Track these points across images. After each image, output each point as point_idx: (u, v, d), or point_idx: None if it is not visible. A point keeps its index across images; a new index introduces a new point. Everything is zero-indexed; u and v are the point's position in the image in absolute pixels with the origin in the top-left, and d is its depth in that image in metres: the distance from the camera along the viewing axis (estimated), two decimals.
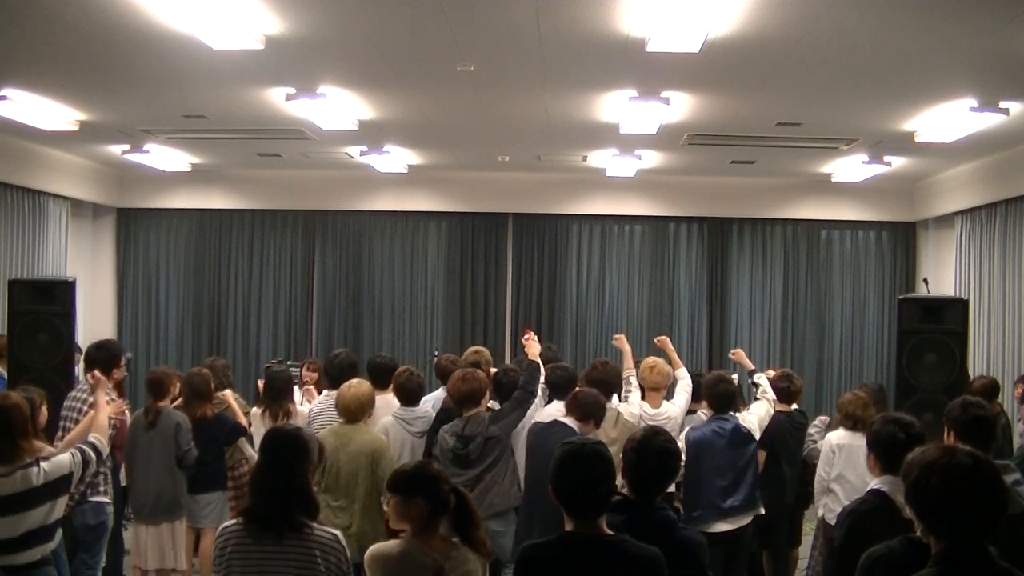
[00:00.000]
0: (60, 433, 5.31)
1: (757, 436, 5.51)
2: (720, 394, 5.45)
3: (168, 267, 11.35)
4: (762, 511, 5.47)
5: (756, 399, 5.76)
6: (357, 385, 5.26)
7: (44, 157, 9.32)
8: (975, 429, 3.64)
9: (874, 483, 3.46)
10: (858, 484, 5.65)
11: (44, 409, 4.93)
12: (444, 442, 5.20)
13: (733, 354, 6.59)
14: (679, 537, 3.15)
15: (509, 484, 5.21)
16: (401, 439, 5.65)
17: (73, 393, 5.59)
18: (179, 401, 6.20)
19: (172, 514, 5.75)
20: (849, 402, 5.80)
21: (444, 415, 5.59)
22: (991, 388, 6.75)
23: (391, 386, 6.09)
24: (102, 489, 5.41)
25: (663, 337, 6.55)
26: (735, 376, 6.76)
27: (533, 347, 5.79)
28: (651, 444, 3.23)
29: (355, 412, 5.13)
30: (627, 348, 6.21)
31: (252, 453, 6.17)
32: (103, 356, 5.57)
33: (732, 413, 5.50)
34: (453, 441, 5.16)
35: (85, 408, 5.35)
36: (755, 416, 5.60)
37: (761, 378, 5.96)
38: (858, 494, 5.63)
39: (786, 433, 6.11)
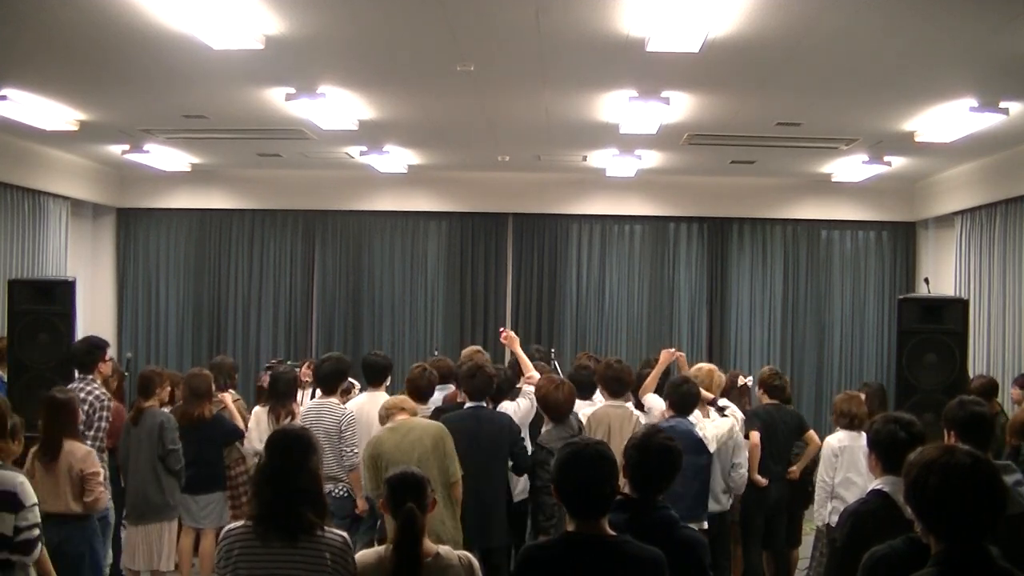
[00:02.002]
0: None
1: (711, 448, 5.37)
2: (684, 395, 5.33)
3: (168, 267, 11.34)
4: (705, 526, 5.29)
5: (725, 416, 5.69)
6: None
7: (44, 157, 9.32)
8: (975, 426, 3.64)
9: (875, 483, 3.45)
10: (863, 485, 5.67)
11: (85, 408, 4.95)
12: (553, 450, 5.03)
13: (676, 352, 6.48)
14: (680, 536, 3.15)
15: None
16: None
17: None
18: (175, 401, 6.22)
19: (160, 515, 5.74)
20: (842, 401, 5.88)
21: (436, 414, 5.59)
22: (990, 388, 6.76)
23: (384, 384, 6.11)
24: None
25: (681, 353, 6.63)
26: (750, 379, 6.81)
27: (515, 345, 5.95)
28: (652, 442, 3.24)
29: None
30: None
31: (256, 447, 6.11)
32: (83, 349, 5.59)
33: (690, 419, 5.37)
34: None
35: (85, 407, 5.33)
36: (714, 427, 5.47)
37: (727, 403, 5.94)
38: (860, 494, 5.68)
39: (776, 425, 6.14)
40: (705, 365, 5.94)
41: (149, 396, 5.81)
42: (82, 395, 5.44)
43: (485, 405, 5.32)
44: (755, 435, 6.08)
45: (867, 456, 3.64)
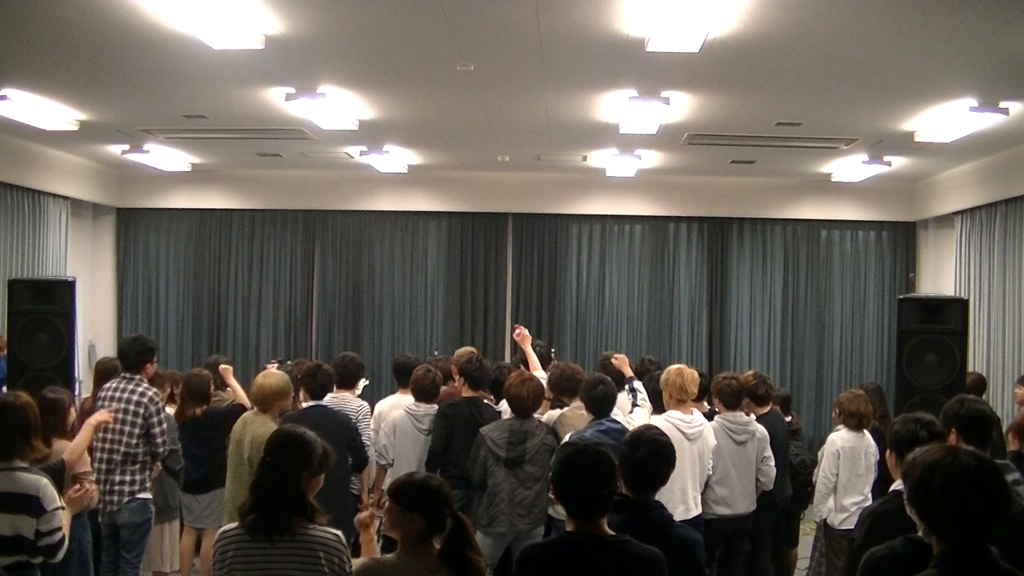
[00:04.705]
0: (102, 434, 5.28)
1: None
2: (599, 396, 5.05)
3: (168, 267, 11.35)
4: None
5: (636, 405, 5.61)
6: (272, 375, 5.26)
7: (44, 157, 9.32)
8: (976, 425, 3.63)
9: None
10: (865, 484, 5.66)
11: (72, 411, 4.92)
12: (491, 441, 5.14)
13: (616, 359, 6.16)
14: (676, 535, 3.17)
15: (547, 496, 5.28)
16: (412, 436, 5.67)
17: (109, 392, 5.42)
18: (175, 400, 6.21)
19: (161, 516, 5.75)
20: (849, 400, 5.82)
21: (451, 409, 5.59)
22: (978, 384, 6.78)
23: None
24: (148, 486, 5.37)
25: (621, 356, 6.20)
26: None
27: (526, 344, 5.87)
28: (644, 438, 3.25)
29: (261, 402, 5.13)
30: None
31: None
32: (135, 349, 5.46)
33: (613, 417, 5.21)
34: (505, 438, 5.11)
35: (123, 405, 5.29)
36: (641, 424, 5.31)
37: (639, 385, 5.82)
38: (859, 495, 5.67)
39: (776, 431, 6.13)
40: (673, 367, 5.53)
41: None
42: (135, 397, 5.31)
43: (325, 404, 5.59)
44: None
45: (887, 456, 3.61)
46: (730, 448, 5.57)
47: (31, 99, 7.05)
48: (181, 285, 11.34)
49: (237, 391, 6.39)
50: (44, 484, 3.77)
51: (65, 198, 9.88)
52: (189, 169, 10.43)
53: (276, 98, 6.88)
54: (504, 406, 5.72)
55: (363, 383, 6.89)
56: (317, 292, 11.37)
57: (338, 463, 5.09)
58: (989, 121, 6.81)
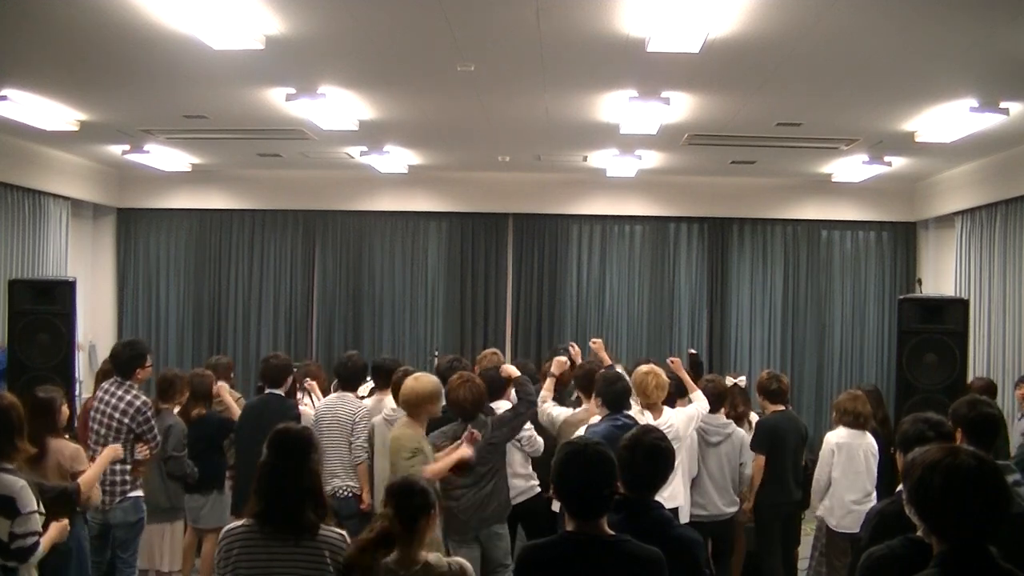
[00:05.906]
0: (93, 436, 5.29)
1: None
2: (619, 391, 5.12)
3: (168, 267, 11.35)
4: None
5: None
6: (422, 378, 5.09)
7: (44, 157, 9.32)
8: (984, 427, 3.62)
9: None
10: (862, 482, 5.66)
11: (65, 408, 4.91)
12: (435, 447, 5.12)
13: (594, 343, 6.49)
14: (675, 535, 3.16)
15: (507, 489, 5.29)
16: (385, 439, 5.68)
17: (101, 394, 5.39)
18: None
19: (162, 516, 5.75)
20: (846, 400, 5.86)
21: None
22: (989, 388, 6.76)
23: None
24: (139, 483, 5.35)
25: (676, 359, 6.17)
26: (742, 379, 6.73)
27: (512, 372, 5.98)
28: (643, 441, 3.24)
29: (413, 405, 4.97)
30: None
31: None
32: (127, 354, 5.41)
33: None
34: (447, 445, 5.12)
35: (111, 411, 5.26)
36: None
37: (621, 371, 5.82)
38: (855, 493, 5.66)
39: (787, 432, 6.13)
40: (640, 368, 5.55)
41: (169, 399, 5.83)
42: (122, 404, 5.26)
43: (281, 394, 5.79)
44: (760, 459, 5.98)
45: (896, 456, 3.60)
46: (703, 450, 5.56)
47: (31, 99, 7.04)
48: (181, 285, 11.33)
49: (231, 407, 6.34)
50: (21, 486, 3.70)
51: (65, 198, 9.88)
52: (189, 169, 10.42)
53: (276, 98, 6.88)
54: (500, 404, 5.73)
55: (370, 386, 6.90)
56: (317, 292, 11.37)
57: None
58: (989, 121, 6.81)
